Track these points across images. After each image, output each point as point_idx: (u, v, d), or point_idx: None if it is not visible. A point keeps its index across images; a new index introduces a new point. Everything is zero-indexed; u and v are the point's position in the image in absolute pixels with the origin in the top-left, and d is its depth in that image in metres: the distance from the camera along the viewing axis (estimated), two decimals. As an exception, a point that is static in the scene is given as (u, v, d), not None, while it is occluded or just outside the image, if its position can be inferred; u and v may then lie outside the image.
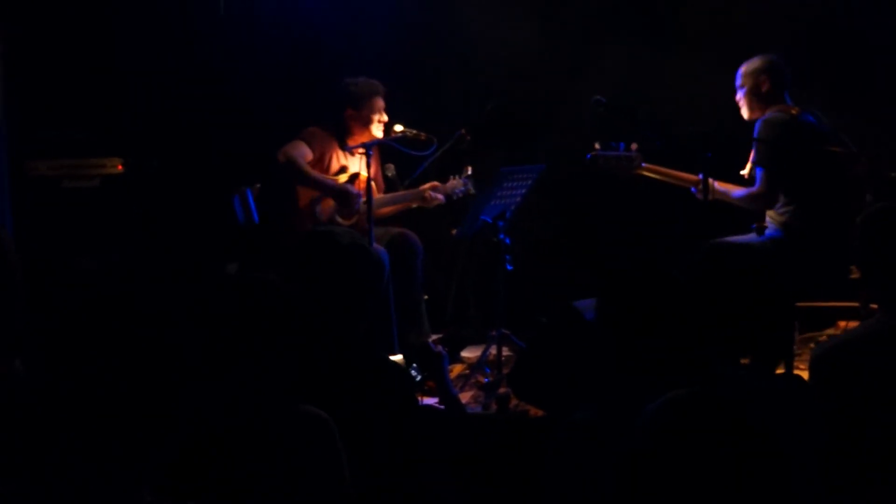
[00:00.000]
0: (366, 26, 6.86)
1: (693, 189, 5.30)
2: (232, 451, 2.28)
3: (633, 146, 5.27)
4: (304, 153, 5.65)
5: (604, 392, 2.55)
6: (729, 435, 1.67)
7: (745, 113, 5.33)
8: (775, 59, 5.29)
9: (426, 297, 6.06)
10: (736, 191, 5.22)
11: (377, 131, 5.76)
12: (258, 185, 5.88)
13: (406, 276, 5.73)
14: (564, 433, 2.45)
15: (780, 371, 4.77)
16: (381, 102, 5.78)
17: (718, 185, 5.26)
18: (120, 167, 6.21)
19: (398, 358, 5.14)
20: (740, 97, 5.32)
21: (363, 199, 5.60)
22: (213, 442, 2.28)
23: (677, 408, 1.69)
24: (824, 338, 5.84)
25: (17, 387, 2.41)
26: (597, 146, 5.27)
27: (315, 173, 5.65)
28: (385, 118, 5.78)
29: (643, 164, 5.31)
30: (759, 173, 5.17)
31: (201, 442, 2.25)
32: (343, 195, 5.66)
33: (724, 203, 5.31)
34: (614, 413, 2.40)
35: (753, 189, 5.20)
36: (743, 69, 5.31)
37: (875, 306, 4.87)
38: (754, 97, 5.26)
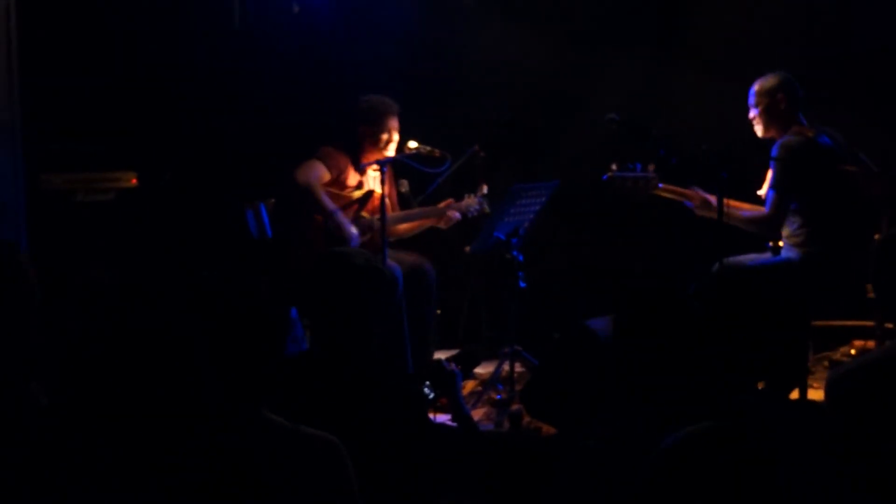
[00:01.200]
0: (380, 43, 6.89)
1: (688, 203, 5.27)
2: (235, 480, 2.26)
3: (651, 167, 5.24)
4: (322, 174, 5.63)
5: (616, 419, 2.54)
6: (744, 470, 1.67)
7: (759, 131, 5.30)
8: (789, 76, 5.27)
9: (439, 311, 6.07)
10: (744, 211, 5.18)
11: (389, 150, 5.75)
12: (272, 201, 5.88)
13: (419, 302, 5.72)
14: (574, 460, 2.44)
15: (795, 393, 4.78)
16: (394, 122, 5.77)
17: (729, 204, 5.23)
18: (134, 181, 6.22)
19: (411, 374, 5.14)
20: (754, 115, 5.29)
21: (359, 242, 5.61)
22: (213, 473, 2.25)
23: (695, 444, 1.69)
24: (839, 356, 5.83)
25: (34, 410, 2.41)
26: (614, 167, 5.24)
27: (327, 201, 5.60)
28: (397, 137, 5.77)
29: (660, 185, 5.29)
30: (769, 196, 5.14)
31: (201, 471, 2.23)
32: (341, 232, 5.62)
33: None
34: (625, 443, 2.39)
35: (762, 213, 5.16)
36: (757, 87, 5.28)
37: (891, 326, 4.88)
38: (770, 116, 5.23)
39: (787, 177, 5.08)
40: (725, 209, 5.15)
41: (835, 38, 6.54)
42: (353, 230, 5.63)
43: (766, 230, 5.18)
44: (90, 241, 6.11)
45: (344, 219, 5.64)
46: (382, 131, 5.73)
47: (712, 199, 5.15)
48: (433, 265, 5.88)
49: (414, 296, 5.68)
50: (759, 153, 5.30)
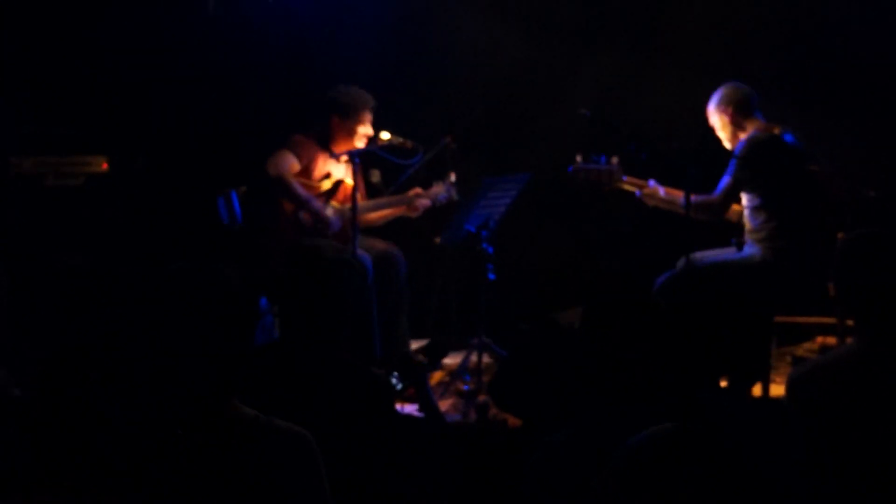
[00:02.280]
0: (352, 33, 6.88)
1: (637, 192, 5.34)
2: (206, 473, 2.27)
3: (615, 160, 5.31)
4: (292, 164, 5.64)
5: (582, 414, 2.58)
6: (709, 471, 1.70)
7: (727, 145, 5.38)
8: (729, 86, 5.36)
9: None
10: (691, 197, 5.22)
11: (360, 143, 5.75)
12: (243, 188, 5.88)
13: (390, 292, 5.75)
14: (541, 455, 2.47)
15: (757, 388, 4.84)
16: (368, 115, 5.78)
17: (665, 192, 5.30)
18: (105, 165, 6.19)
19: (379, 363, 5.16)
20: (721, 136, 5.38)
21: (340, 225, 5.63)
22: (184, 466, 2.25)
23: (659, 444, 1.72)
24: (801, 352, 5.90)
25: (16, 414, 2.40)
26: (578, 159, 5.32)
27: (300, 190, 5.62)
28: (370, 132, 5.78)
29: (624, 178, 5.35)
30: (722, 182, 5.21)
31: (168, 467, 2.23)
32: (319, 219, 5.64)
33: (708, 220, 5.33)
34: (591, 438, 2.43)
35: (710, 196, 5.24)
36: (708, 111, 5.39)
37: (852, 323, 4.95)
38: (728, 128, 5.34)
39: (745, 170, 5.15)
40: (669, 197, 5.22)
41: (808, 36, 6.59)
42: (330, 213, 5.65)
43: (710, 214, 5.26)
44: (60, 226, 6.09)
45: (320, 206, 5.66)
46: (356, 123, 5.74)
47: (661, 189, 5.25)
48: (403, 254, 5.91)
49: (384, 283, 5.70)
50: (726, 150, 5.36)
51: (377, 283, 5.60)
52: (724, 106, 5.32)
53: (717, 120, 5.35)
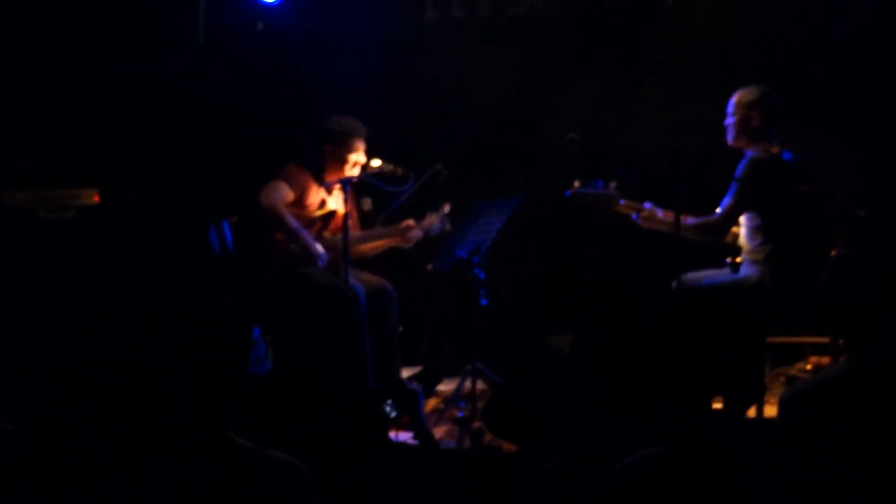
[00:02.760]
0: (344, 61, 6.91)
1: (634, 215, 5.36)
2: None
3: (612, 184, 5.32)
4: (285, 194, 5.65)
5: (574, 439, 2.58)
6: (698, 492, 1.71)
7: (729, 138, 5.33)
8: (770, 93, 5.32)
9: (401, 328, 6.09)
10: (689, 219, 5.24)
11: (352, 171, 5.77)
12: (235, 219, 5.89)
13: (382, 327, 5.75)
14: (533, 480, 2.47)
15: (752, 409, 4.84)
16: (361, 144, 5.79)
17: (662, 213, 5.30)
18: (96, 198, 6.20)
19: (373, 392, 5.15)
20: (729, 123, 5.35)
21: (328, 259, 5.64)
22: (177, 496, 2.25)
23: (648, 467, 1.73)
24: (795, 372, 5.90)
25: (10, 448, 2.40)
26: (576, 184, 5.32)
27: (292, 221, 5.63)
28: (363, 160, 5.79)
29: (622, 202, 5.37)
30: (724, 203, 5.22)
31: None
32: (308, 252, 5.64)
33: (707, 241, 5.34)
34: (584, 463, 2.43)
35: (710, 217, 5.24)
36: (736, 98, 5.32)
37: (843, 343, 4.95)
38: (742, 128, 5.29)
39: (747, 192, 5.15)
40: (667, 218, 5.23)
41: (797, 57, 6.63)
42: (320, 248, 5.65)
43: (711, 235, 5.25)
44: (53, 259, 6.09)
45: (310, 237, 5.66)
46: (349, 152, 5.75)
47: (658, 211, 5.26)
48: (396, 284, 5.91)
49: (376, 317, 5.70)
50: (719, 171, 5.37)
51: (369, 318, 5.60)
52: (752, 107, 5.26)
53: (739, 113, 5.30)
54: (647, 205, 5.35)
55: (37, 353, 5.27)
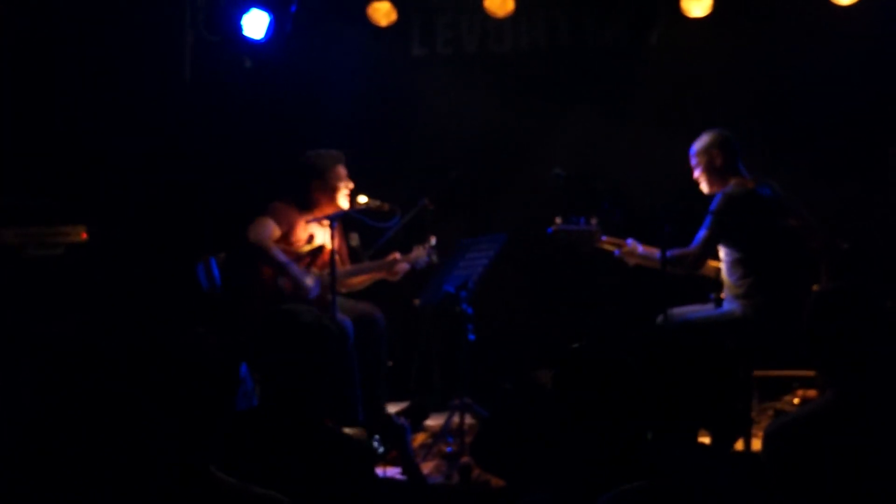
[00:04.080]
0: (330, 97, 6.96)
1: (616, 251, 5.40)
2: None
3: (594, 220, 5.36)
4: (272, 230, 5.70)
5: (562, 474, 2.59)
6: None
7: (704, 188, 5.45)
8: (723, 132, 5.43)
9: (391, 363, 6.10)
10: (667, 251, 5.28)
11: (343, 200, 5.83)
12: (223, 255, 5.90)
13: (370, 352, 5.77)
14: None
15: (739, 444, 4.85)
16: (343, 170, 5.87)
17: (643, 249, 5.35)
18: (84, 235, 6.20)
19: (360, 428, 5.15)
20: (697, 175, 5.44)
21: (319, 292, 5.66)
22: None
23: (634, 501, 1.74)
24: (783, 406, 5.92)
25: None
26: (558, 220, 5.37)
27: (280, 255, 5.66)
28: (351, 184, 5.86)
29: (603, 238, 5.41)
30: (698, 236, 5.26)
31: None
32: (298, 284, 5.66)
33: (684, 273, 5.37)
34: (572, 498, 2.44)
35: (686, 249, 5.28)
36: (695, 148, 5.45)
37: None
38: (711, 172, 5.39)
39: (720, 224, 5.21)
40: (648, 253, 5.28)
41: (776, 92, 6.69)
42: (310, 281, 5.67)
43: (686, 268, 5.29)
44: (40, 296, 6.08)
45: (299, 270, 5.69)
46: (336, 181, 5.82)
47: (639, 246, 5.31)
48: (383, 316, 5.94)
49: (364, 344, 5.72)
50: (702, 207, 5.41)
51: (357, 344, 5.62)
52: (712, 149, 5.36)
53: (702, 160, 5.39)
54: (630, 241, 5.39)
55: (22, 390, 5.26)
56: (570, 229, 5.37)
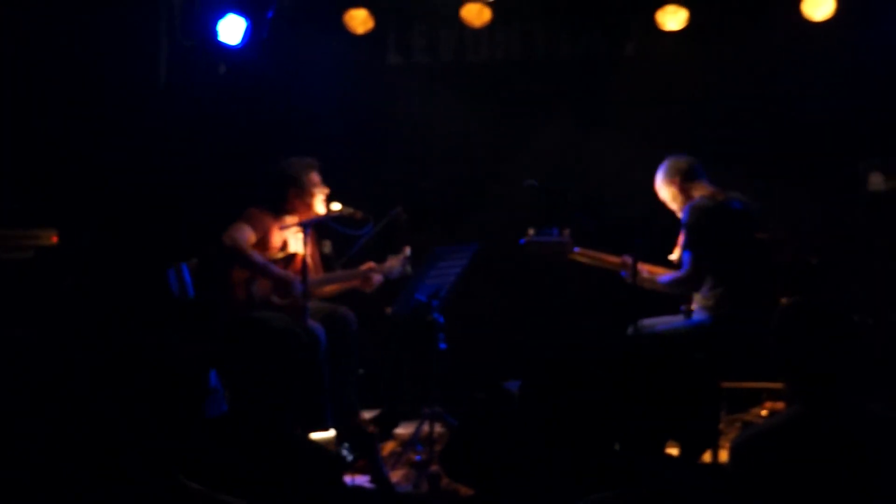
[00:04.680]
0: (306, 104, 6.94)
1: (623, 273, 5.41)
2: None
3: (566, 231, 5.38)
4: (248, 236, 5.69)
5: (528, 486, 2.59)
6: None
7: (682, 216, 5.47)
8: (671, 159, 5.49)
9: (361, 371, 6.08)
10: (663, 276, 5.33)
11: (320, 205, 5.84)
12: (195, 261, 5.88)
13: (340, 350, 5.76)
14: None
15: (707, 456, 4.87)
16: (317, 176, 5.88)
17: (646, 271, 5.37)
18: (54, 239, 6.17)
19: (330, 435, 5.14)
20: (673, 207, 5.48)
21: (285, 301, 5.66)
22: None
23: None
24: (751, 417, 5.94)
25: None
26: (530, 231, 5.37)
27: (258, 258, 5.67)
28: (326, 190, 5.87)
29: (576, 249, 5.42)
30: (686, 257, 5.29)
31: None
32: (283, 282, 5.67)
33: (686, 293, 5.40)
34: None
35: (681, 273, 5.31)
36: (657, 185, 5.51)
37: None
38: (678, 198, 5.44)
39: (698, 237, 5.23)
40: (648, 276, 5.29)
41: (750, 105, 6.73)
42: (292, 275, 5.67)
43: (688, 289, 5.32)
44: (8, 300, 6.03)
45: (279, 270, 5.69)
46: (309, 188, 5.83)
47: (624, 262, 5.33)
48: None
49: (336, 345, 5.71)
50: (675, 219, 5.44)
51: (329, 344, 5.60)
52: (670, 178, 5.42)
53: (667, 192, 5.45)
54: (625, 257, 5.39)
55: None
56: (543, 241, 5.39)
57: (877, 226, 5.99)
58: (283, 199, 5.86)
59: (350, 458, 4.26)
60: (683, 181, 5.40)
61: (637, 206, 5.82)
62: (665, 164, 5.46)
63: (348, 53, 6.98)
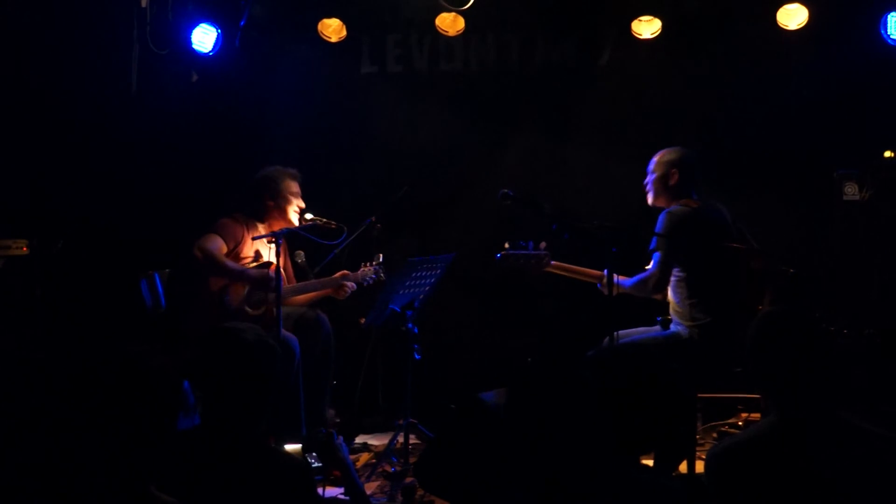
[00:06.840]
0: (279, 112, 6.92)
1: (599, 285, 5.40)
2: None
3: (542, 244, 5.36)
4: (220, 246, 5.64)
5: (503, 498, 2.57)
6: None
7: (649, 198, 5.43)
8: (689, 154, 5.41)
9: (335, 382, 6.04)
10: (628, 280, 5.29)
11: (294, 216, 5.80)
12: (167, 271, 5.84)
13: (315, 353, 5.73)
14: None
15: (683, 466, 4.87)
16: (295, 186, 5.86)
17: (621, 280, 5.35)
18: (25, 249, 6.11)
19: (297, 447, 5.09)
20: (648, 182, 5.43)
21: (257, 311, 5.62)
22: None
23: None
24: (727, 428, 5.94)
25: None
26: (506, 245, 5.35)
27: (233, 265, 5.63)
28: (302, 203, 5.84)
29: (552, 262, 5.40)
30: (655, 257, 5.27)
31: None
32: (262, 282, 5.63)
33: (630, 296, 5.38)
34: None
35: (645, 274, 5.29)
36: (657, 157, 5.41)
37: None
38: (661, 186, 5.37)
39: (672, 244, 5.21)
40: (619, 281, 5.26)
41: (724, 114, 6.74)
42: (269, 272, 5.64)
43: (652, 289, 5.29)
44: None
45: (255, 271, 5.65)
46: (286, 198, 5.81)
47: (599, 274, 5.31)
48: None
49: (308, 343, 5.67)
50: (649, 228, 5.43)
51: (303, 348, 5.56)
52: (671, 166, 5.34)
53: (657, 172, 5.37)
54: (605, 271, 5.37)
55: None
56: (518, 254, 5.36)
57: (852, 236, 6.01)
58: (261, 206, 5.83)
59: (315, 465, 4.23)
60: (681, 177, 5.34)
61: (611, 216, 5.80)
62: (677, 151, 5.38)
63: (322, 62, 6.96)
